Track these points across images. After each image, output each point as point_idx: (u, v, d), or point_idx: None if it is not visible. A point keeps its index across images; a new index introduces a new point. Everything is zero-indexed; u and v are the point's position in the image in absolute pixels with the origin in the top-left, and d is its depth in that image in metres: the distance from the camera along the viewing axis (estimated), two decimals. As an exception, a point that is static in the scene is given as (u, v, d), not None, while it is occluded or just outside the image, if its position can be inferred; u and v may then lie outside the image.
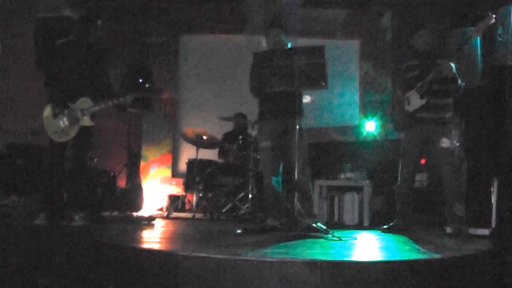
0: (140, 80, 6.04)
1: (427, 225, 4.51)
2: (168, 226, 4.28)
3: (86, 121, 3.85)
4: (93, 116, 3.90)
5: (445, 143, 3.65)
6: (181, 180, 6.29)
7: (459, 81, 3.60)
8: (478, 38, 4.03)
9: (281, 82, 3.38)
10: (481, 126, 4.41)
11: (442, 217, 4.06)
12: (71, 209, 3.91)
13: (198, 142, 5.59)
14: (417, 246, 2.87)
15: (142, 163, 6.93)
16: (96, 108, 3.86)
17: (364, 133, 6.00)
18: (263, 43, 3.98)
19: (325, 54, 3.31)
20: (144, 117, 7.01)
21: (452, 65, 3.55)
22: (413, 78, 3.83)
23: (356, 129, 6.28)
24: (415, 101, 3.76)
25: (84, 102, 3.84)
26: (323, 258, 2.15)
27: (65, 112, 3.77)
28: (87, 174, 4.89)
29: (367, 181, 4.94)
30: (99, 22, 3.89)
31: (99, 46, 4.05)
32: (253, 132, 5.20)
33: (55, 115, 3.77)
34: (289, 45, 3.81)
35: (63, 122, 3.79)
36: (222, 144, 5.98)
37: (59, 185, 3.83)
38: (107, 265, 2.46)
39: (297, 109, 3.53)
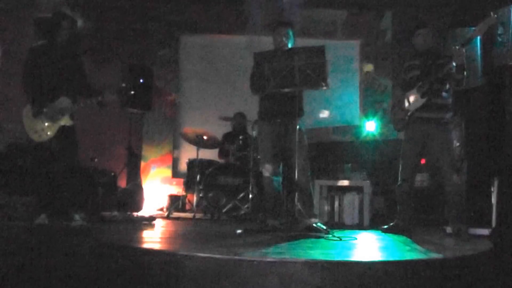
0: (141, 80, 6.05)
1: (427, 225, 4.51)
2: (168, 226, 4.28)
3: (65, 121, 3.86)
4: (72, 116, 3.91)
5: None
6: (181, 180, 6.30)
7: (465, 73, 3.60)
8: (478, 38, 4.03)
9: (282, 83, 3.38)
10: (481, 126, 4.41)
11: (442, 217, 4.06)
12: (71, 209, 3.91)
13: (198, 142, 5.59)
14: (417, 246, 2.87)
15: (142, 163, 6.94)
16: (75, 107, 3.88)
17: (364, 133, 6.00)
18: (264, 43, 3.97)
19: (326, 54, 3.31)
20: (145, 117, 7.02)
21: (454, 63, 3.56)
22: (413, 78, 3.83)
23: (356, 129, 6.29)
24: (415, 101, 3.76)
25: (63, 102, 3.85)
26: (323, 258, 2.15)
27: (44, 111, 3.79)
28: (85, 173, 4.90)
29: (367, 181, 4.94)
30: (64, 23, 3.89)
31: (74, 46, 4.07)
32: (253, 132, 5.20)
33: (34, 115, 3.79)
34: (290, 45, 3.81)
35: (43, 121, 3.80)
36: (222, 144, 5.99)
37: (50, 185, 3.83)
38: (107, 265, 2.46)
39: (297, 110, 3.53)
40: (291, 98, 3.56)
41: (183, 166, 6.58)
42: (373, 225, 4.58)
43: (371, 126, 5.98)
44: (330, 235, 3.23)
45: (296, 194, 3.44)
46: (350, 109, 6.93)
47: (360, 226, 4.71)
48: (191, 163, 5.80)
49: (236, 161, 5.64)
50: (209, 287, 2.02)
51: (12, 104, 6.26)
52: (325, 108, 6.84)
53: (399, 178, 3.90)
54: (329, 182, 5.10)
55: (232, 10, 7.03)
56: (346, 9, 6.93)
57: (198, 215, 5.31)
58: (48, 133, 3.82)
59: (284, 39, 3.76)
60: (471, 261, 2.43)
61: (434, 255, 2.39)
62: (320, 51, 3.32)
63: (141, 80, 6.02)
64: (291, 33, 3.81)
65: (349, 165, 5.22)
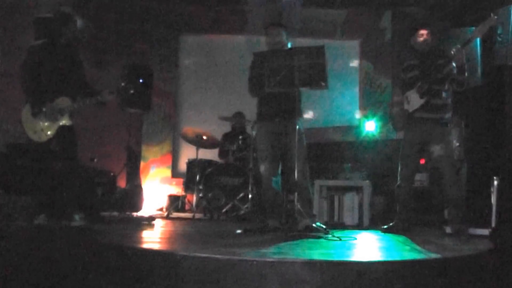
0: (141, 80, 6.04)
1: (427, 225, 4.50)
2: (168, 226, 4.27)
3: (65, 120, 3.85)
4: (71, 115, 3.90)
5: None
6: (181, 180, 6.30)
7: (466, 74, 3.60)
8: (478, 38, 4.03)
9: (281, 83, 3.37)
10: (481, 126, 4.41)
11: (442, 217, 4.06)
12: (71, 209, 3.91)
13: (198, 142, 5.59)
14: (417, 246, 2.87)
15: (142, 163, 6.94)
16: (75, 106, 3.86)
17: (364, 133, 6.00)
18: (264, 43, 3.96)
19: (325, 54, 3.31)
20: (144, 117, 7.01)
21: (453, 65, 3.56)
22: (413, 78, 3.83)
23: (356, 129, 6.29)
24: (414, 101, 3.76)
25: (62, 101, 3.83)
26: (323, 258, 2.15)
27: (44, 111, 3.78)
28: (85, 173, 4.89)
29: (367, 181, 4.94)
30: (70, 22, 3.89)
31: (74, 45, 4.06)
32: (253, 132, 5.20)
33: (34, 115, 3.77)
34: (289, 45, 3.80)
35: (42, 121, 3.79)
36: (222, 144, 5.99)
37: (50, 185, 3.83)
38: (107, 265, 2.46)
39: (296, 110, 3.52)
40: (290, 98, 3.56)
41: (182, 166, 6.58)
42: (373, 225, 4.58)
43: (371, 126, 5.98)
44: (330, 235, 3.22)
45: (296, 194, 3.43)
46: (350, 109, 6.93)
47: (360, 226, 4.71)
48: (190, 163, 5.80)
49: (235, 161, 5.64)
50: (209, 287, 2.02)
51: (12, 104, 6.27)
52: (325, 108, 6.85)
53: (399, 178, 3.90)
54: (329, 182, 5.09)
55: (232, 10, 7.03)
56: (345, 8, 6.92)
57: (198, 215, 5.31)
58: (48, 133, 3.81)
59: (277, 39, 3.74)
60: (471, 261, 2.42)
61: (434, 255, 2.39)
62: (320, 51, 3.32)
63: (140, 80, 6.01)
64: (284, 33, 3.79)
65: (349, 165, 5.22)
